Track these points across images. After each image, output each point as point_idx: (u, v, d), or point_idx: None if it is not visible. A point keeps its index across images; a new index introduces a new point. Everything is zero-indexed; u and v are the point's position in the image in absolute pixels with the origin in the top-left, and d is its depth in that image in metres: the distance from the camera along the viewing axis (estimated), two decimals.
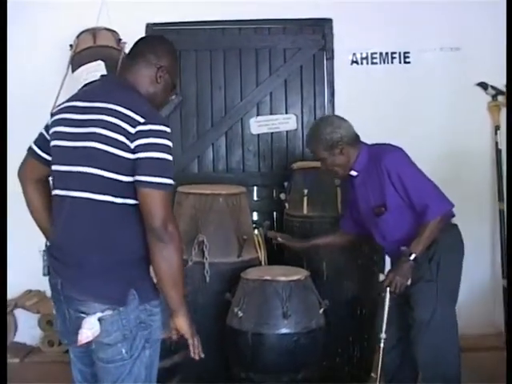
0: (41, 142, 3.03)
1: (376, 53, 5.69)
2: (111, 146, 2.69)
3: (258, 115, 5.72)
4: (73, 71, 5.34)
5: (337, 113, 5.61)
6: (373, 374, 4.28)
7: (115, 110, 2.73)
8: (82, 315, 2.75)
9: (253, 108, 5.73)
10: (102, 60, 5.23)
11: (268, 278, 4.29)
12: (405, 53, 5.67)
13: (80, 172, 2.76)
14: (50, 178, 3.04)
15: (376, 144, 4.10)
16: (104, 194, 2.74)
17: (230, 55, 5.70)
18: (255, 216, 5.63)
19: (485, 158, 5.60)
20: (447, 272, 3.91)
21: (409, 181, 3.85)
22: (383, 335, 3.91)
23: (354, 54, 5.68)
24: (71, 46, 5.37)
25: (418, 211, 3.84)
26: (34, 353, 5.53)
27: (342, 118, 4.12)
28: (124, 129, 2.69)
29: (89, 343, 2.76)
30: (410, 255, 3.79)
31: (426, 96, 5.63)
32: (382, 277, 3.94)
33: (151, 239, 2.71)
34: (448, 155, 5.55)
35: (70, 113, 2.86)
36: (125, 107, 2.73)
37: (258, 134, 5.75)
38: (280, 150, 5.75)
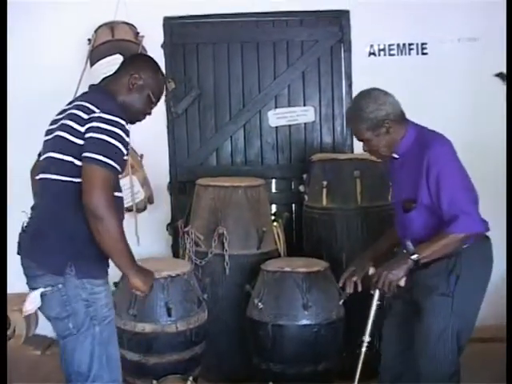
0: None
1: (393, 44, 5.66)
2: (68, 132, 3.02)
3: (276, 108, 5.72)
4: (91, 65, 5.36)
5: None
6: None
7: (80, 104, 3.07)
8: (31, 290, 3.09)
9: (271, 100, 5.73)
10: (120, 54, 5.25)
11: (288, 269, 4.32)
12: (422, 44, 5.65)
13: (47, 157, 3.10)
14: None
15: (426, 128, 3.65)
16: (56, 174, 3.03)
17: (247, 48, 5.69)
18: (274, 208, 5.63)
19: (503, 149, 5.57)
20: (467, 288, 3.41)
21: (447, 183, 3.33)
22: (367, 338, 3.53)
23: (372, 46, 5.66)
24: (89, 40, 5.40)
25: (445, 219, 3.32)
26: (55, 345, 5.54)
27: (387, 92, 3.56)
28: (80, 117, 3.01)
29: (31, 315, 3.25)
30: (413, 254, 3.32)
31: (443, 87, 5.58)
32: (371, 270, 3.55)
33: (87, 215, 2.91)
34: (466, 146, 5.50)
35: (58, 114, 3.24)
36: (88, 102, 3.07)
37: (276, 127, 5.74)
38: (298, 143, 5.74)
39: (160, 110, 5.55)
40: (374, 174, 4.72)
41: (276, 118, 5.73)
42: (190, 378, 4.10)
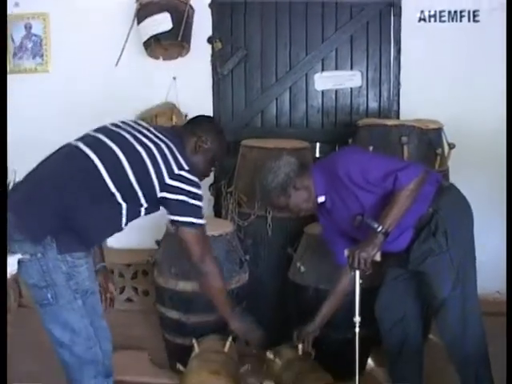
0: None
1: (444, 10, 5.56)
2: (153, 167, 3.13)
3: (322, 71, 5.68)
4: (138, 23, 5.35)
5: (402, 71, 5.61)
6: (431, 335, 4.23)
7: (172, 149, 3.22)
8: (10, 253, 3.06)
9: (318, 63, 5.68)
10: (167, 12, 5.24)
11: None
12: (474, 11, 5.54)
13: (112, 151, 3.11)
14: None
15: (326, 158, 3.86)
16: (108, 172, 3.07)
17: (295, 8, 5.63)
18: None
19: None
20: (458, 237, 3.56)
21: (370, 169, 3.44)
22: (357, 318, 3.55)
23: (422, 12, 5.57)
24: None
25: (392, 188, 3.39)
26: None
27: (277, 158, 3.70)
28: (170, 165, 3.17)
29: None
30: (378, 227, 3.36)
31: (494, 55, 5.47)
32: (346, 252, 3.49)
33: (196, 269, 3.38)
34: None
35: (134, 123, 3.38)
36: (179, 152, 3.23)
37: (322, 90, 5.70)
38: (344, 107, 5.70)
39: (206, 70, 5.56)
40: (422, 141, 4.67)
41: (322, 81, 5.68)
42: (230, 339, 4.10)
